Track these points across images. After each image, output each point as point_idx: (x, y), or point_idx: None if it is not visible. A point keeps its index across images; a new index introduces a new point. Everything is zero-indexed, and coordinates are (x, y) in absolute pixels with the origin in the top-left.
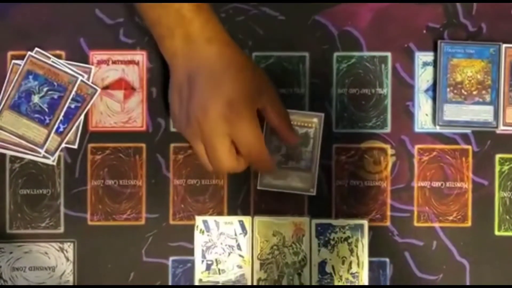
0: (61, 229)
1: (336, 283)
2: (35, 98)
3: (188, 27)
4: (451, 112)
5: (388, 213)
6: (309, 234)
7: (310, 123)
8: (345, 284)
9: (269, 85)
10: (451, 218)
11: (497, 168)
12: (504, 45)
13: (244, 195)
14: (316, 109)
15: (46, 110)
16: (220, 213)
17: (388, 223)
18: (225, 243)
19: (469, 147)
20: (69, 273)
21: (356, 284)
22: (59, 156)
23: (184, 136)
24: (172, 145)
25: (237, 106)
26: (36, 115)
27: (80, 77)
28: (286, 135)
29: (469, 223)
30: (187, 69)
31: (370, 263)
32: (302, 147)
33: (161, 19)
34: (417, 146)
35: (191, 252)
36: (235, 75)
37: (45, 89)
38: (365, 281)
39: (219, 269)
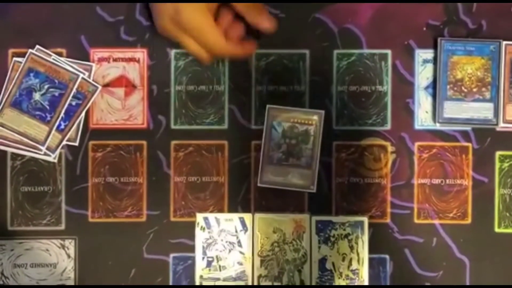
0: (62, 226)
1: (336, 280)
2: (36, 96)
3: None
4: (451, 109)
5: (388, 210)
6: (309, 231)
7: (310, 120)
8: (345, 280)
9: None
10: (451, 215)
11: (497, 165)
12: (504, 42)
13: (245, 192)
14: (316, 106)
15: (47, 107)
16: (220, 210)
17: (388, 220)
18: (226, 240)
19: (469, 144)
20: (70, 270)
21: (356, 281)
22: (60, 154)
23: None
24: (173, 143)
25: (184, 11)
26: (37, 113)
27: (81, 75)
28: (256, 20)
29: (469, 220)
30: None
31: (370, 260)
32: (302, 144)
33: None
34: (417, 143)
35: (191, 249)
36: None
37: (46, 87)
38: (365, 278)
39: (219, 266)
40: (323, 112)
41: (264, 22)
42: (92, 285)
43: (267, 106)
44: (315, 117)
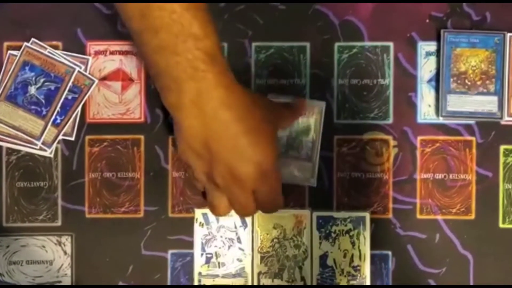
0: (59, 222)
1: (337, 277)
2: (32, 90)
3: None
4: (454, 102)
5: (390, 205)
6: (310, 226)
7: (311, 112)
8: (346, 277)
9: (275, 111)
10: (454, 210)
11: (502, 159)
12: (508, 34)
13: None
14: (317, 100)
15: (43, 101)
16: None
17: (390, 215)
18: (225, 236)
19: (473, 138)
20: (66, 267)
21: (358, 277)
22: (56, 148)
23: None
24: (171, 137)
25: (265, 168)
26: (33, 107)
27: (77, 68)
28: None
29: (472, 216)
30: (202, 133)
31: (372, 256)
32: (303, 136)
33: (169, 68)
34: (419, 138)
35: (190, 245)
36: (256, 136)
37: (41, 80)
38: (367, 274)
39: (219, 263)
40: (324, 103)
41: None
42: (88, 285)
43: (268, 95)
44: (316, 109)
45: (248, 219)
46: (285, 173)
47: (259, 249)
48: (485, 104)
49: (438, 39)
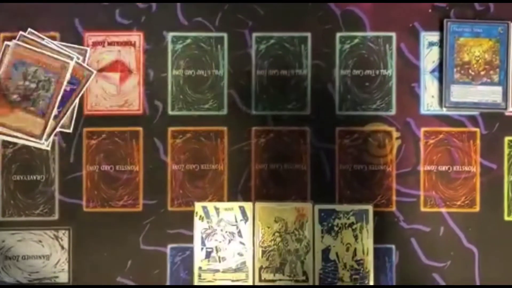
0: (56, 216)
1: (340, 271)
2: None
3: None
4: (458, 93)
5: (394, 198)
6: (312, 220)
7: (56, 68)
8: (349, 271)
9: None
10: (458, 203)
11: (506, 151)
12: None
13: (245, 180)
14: (318, 90)
15: None
16: (220, 199)
17: (393, 208)
18: (226, 230)
19: (477, 129)
20: (64, 262)
21: (361, 272)
22: (53, 141)
23: None
24: (170, 129)
25: None
26: None
27: (75, 58)
28: None
29: (477, 208)
30: None
31: (376, 250)
32: (41, 90)
33: None
34: (423, 129)
35: (190, 239)
36: None
37: None
38: (370, 268)
39: (219, 257)
40: (74, 57)
41: None
42: (86, 285)
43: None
44: (62, 65)
45: (249, 213)
46: (16, 126)
47: (260, 243)
48: (489, 94)
49: (441, 29)
